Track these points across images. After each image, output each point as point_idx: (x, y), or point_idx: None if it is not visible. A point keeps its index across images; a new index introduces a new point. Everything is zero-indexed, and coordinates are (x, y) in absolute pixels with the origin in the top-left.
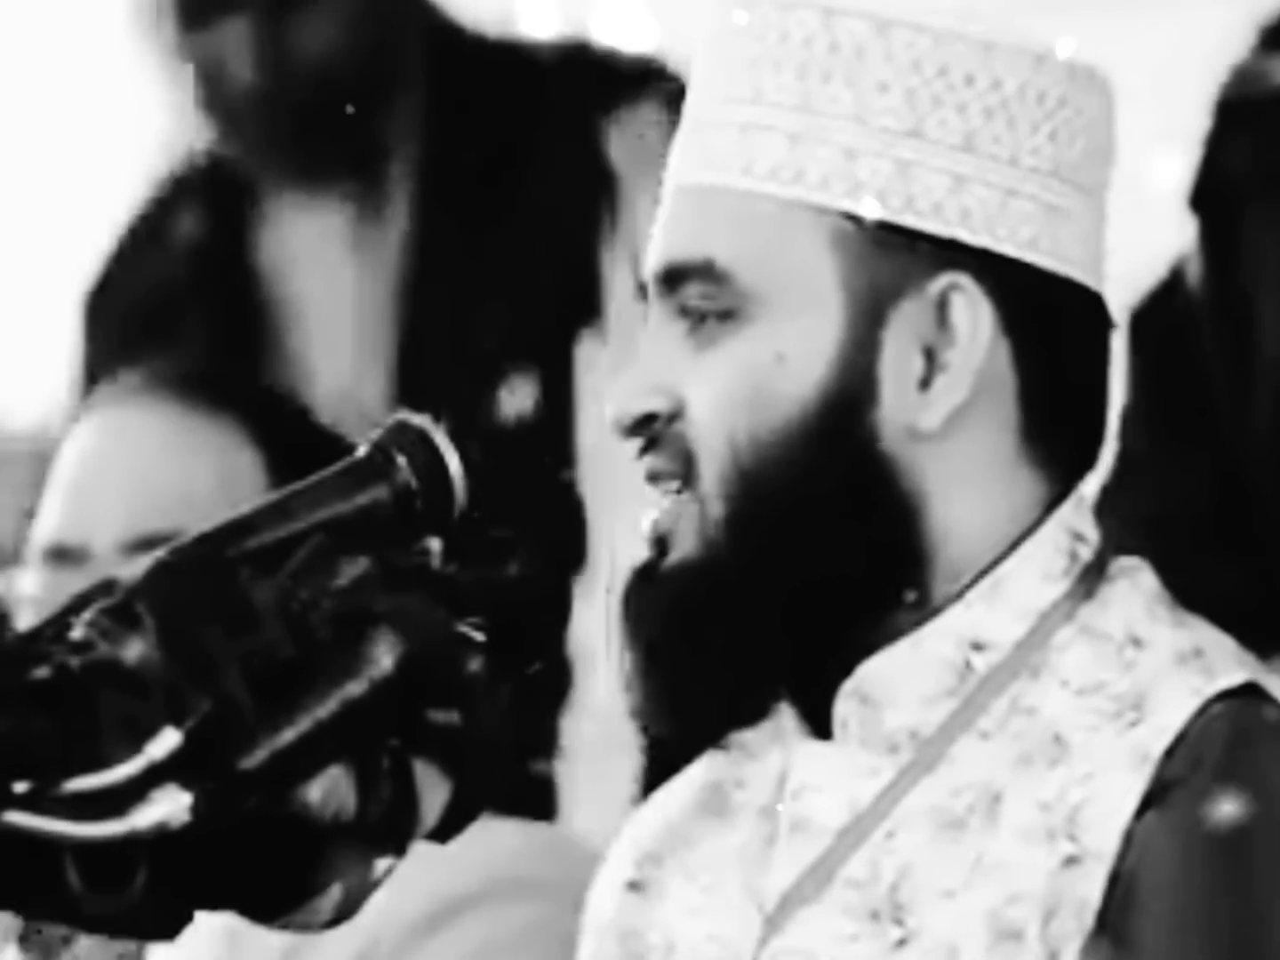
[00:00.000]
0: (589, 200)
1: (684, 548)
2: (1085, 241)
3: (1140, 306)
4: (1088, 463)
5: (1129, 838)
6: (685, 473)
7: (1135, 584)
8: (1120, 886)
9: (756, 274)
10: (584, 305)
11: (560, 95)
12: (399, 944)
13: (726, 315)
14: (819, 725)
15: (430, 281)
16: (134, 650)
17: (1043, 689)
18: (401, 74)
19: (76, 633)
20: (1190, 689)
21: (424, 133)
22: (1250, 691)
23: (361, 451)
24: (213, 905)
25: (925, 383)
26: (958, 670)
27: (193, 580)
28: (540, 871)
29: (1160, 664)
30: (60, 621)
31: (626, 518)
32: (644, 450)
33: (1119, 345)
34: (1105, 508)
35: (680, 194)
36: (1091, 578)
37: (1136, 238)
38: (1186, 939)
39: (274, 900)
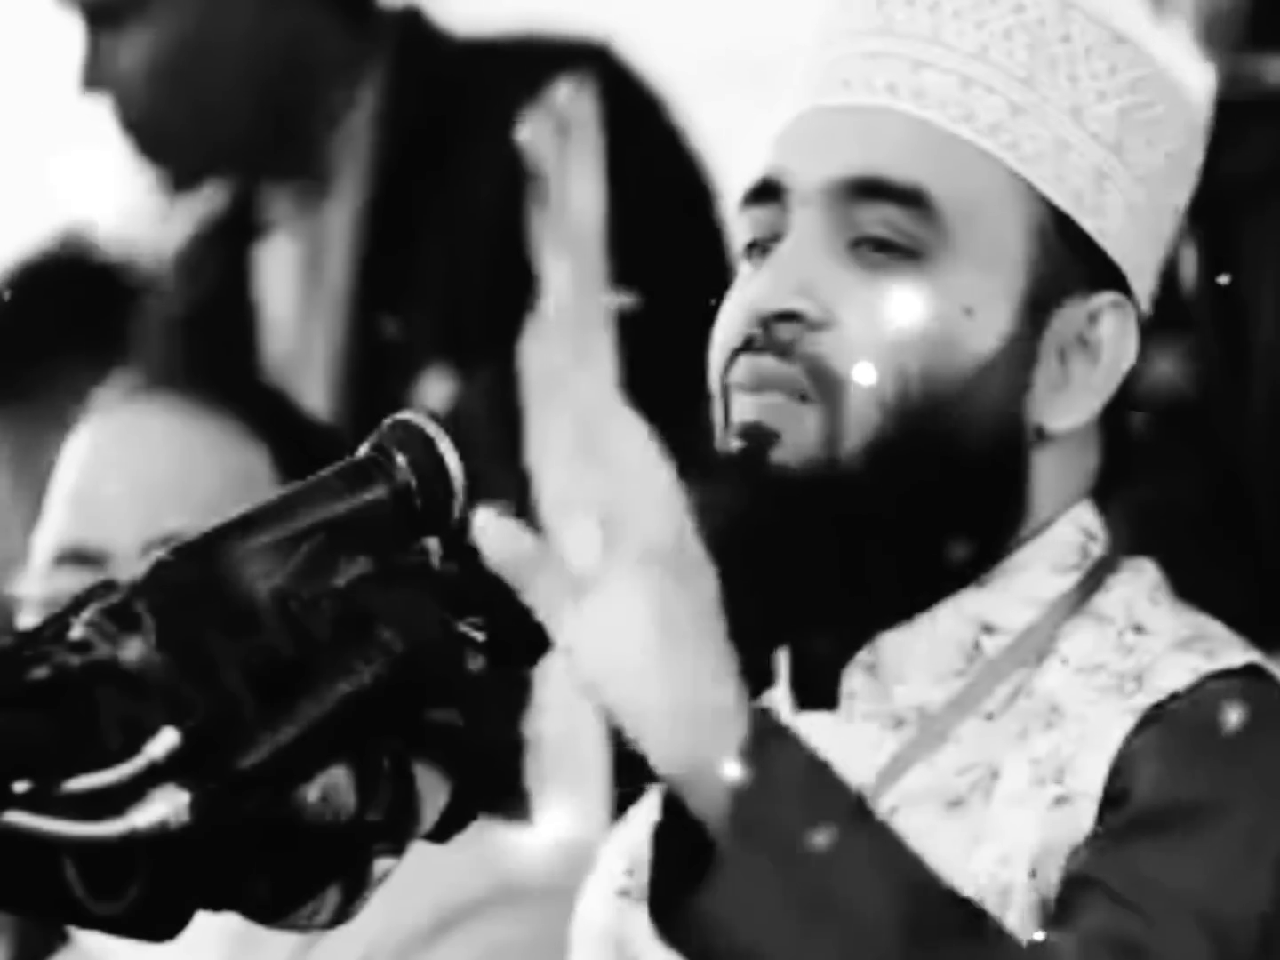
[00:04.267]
0: (515, 191)
1: (802, 451)
2: (1154, 278)
3: None
4: (1118, 469)
5: (1116, 767)
6: (815, 388)
7: (1139, 574)
8: (1108, 806)
9: (962, 220)
10: (520, 299)
11: (487, 84)
12: (403, 949)
13: (913, 252)
14: (811, 696)
15: (373, 290)
16: (134, 650)
17: (1045, 672)
18: (342, 60)
19: (76, 633)
20: (1189, 667)
21: (371, 134)
22: (1251, 672)
23: (362, 451)
24: (213, 906)
25: (1057, 387)
26: (967, 651)
27: (193, 580)
28: (541, 878)
29: (1160, 647)
30: (60, 621)
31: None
32: (761, 349)
33: None
34: (1103, 507)
35: (876, 114)
36: (1100, 573)
37: None
38: (1179, 843)
39: (274, 900)
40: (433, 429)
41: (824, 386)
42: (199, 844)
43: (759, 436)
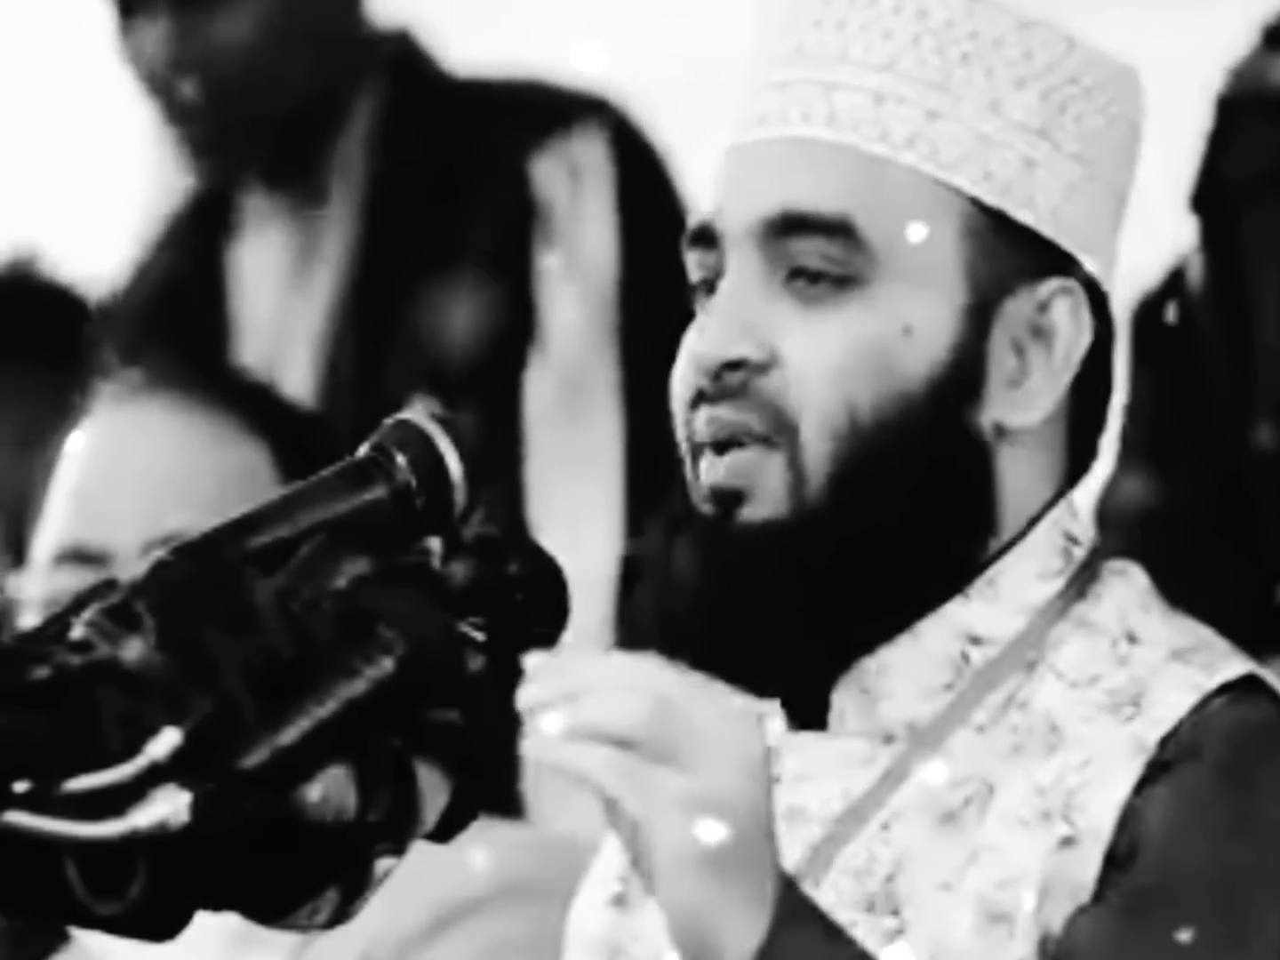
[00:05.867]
0: (520, 232)
1: (769, 505)
2: (1114, 250)
3: (1141, 306)
4: (1086, 467)
5: (1124, 818)
6: (771, 430)
7: (1129, 582)
8: (1117, 861)
9: (890, 241)
10: (523, 335)
11: (490, 128)
12: (403, 948)
13: (846, 279)
14: (802, 717)
15: (362, 310)
16: (134, 650)
17: (1038, 683)
18: (346, 92)
19: (76, 633)
20: (1190, 684)
21: (365, 158)
22: (1250, 684)
23: (362, 451)
24: (213, 905)
25: (1014, 382)
26: (955, 664)
27: (193, 580)
28: (543, 874)
29: (1157, 660)
30: (60, 621)
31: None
32: (714, 399)
33: (1121, 345)
34: (1104, 507)
35: (795, 145)
36: (1084, 577)
37: (1136, 236)
38: (1175, 891)
39: (274, 900)
40: (433, 428)
41: (779, 427)
42: (199, 844)
43: (724, 499)
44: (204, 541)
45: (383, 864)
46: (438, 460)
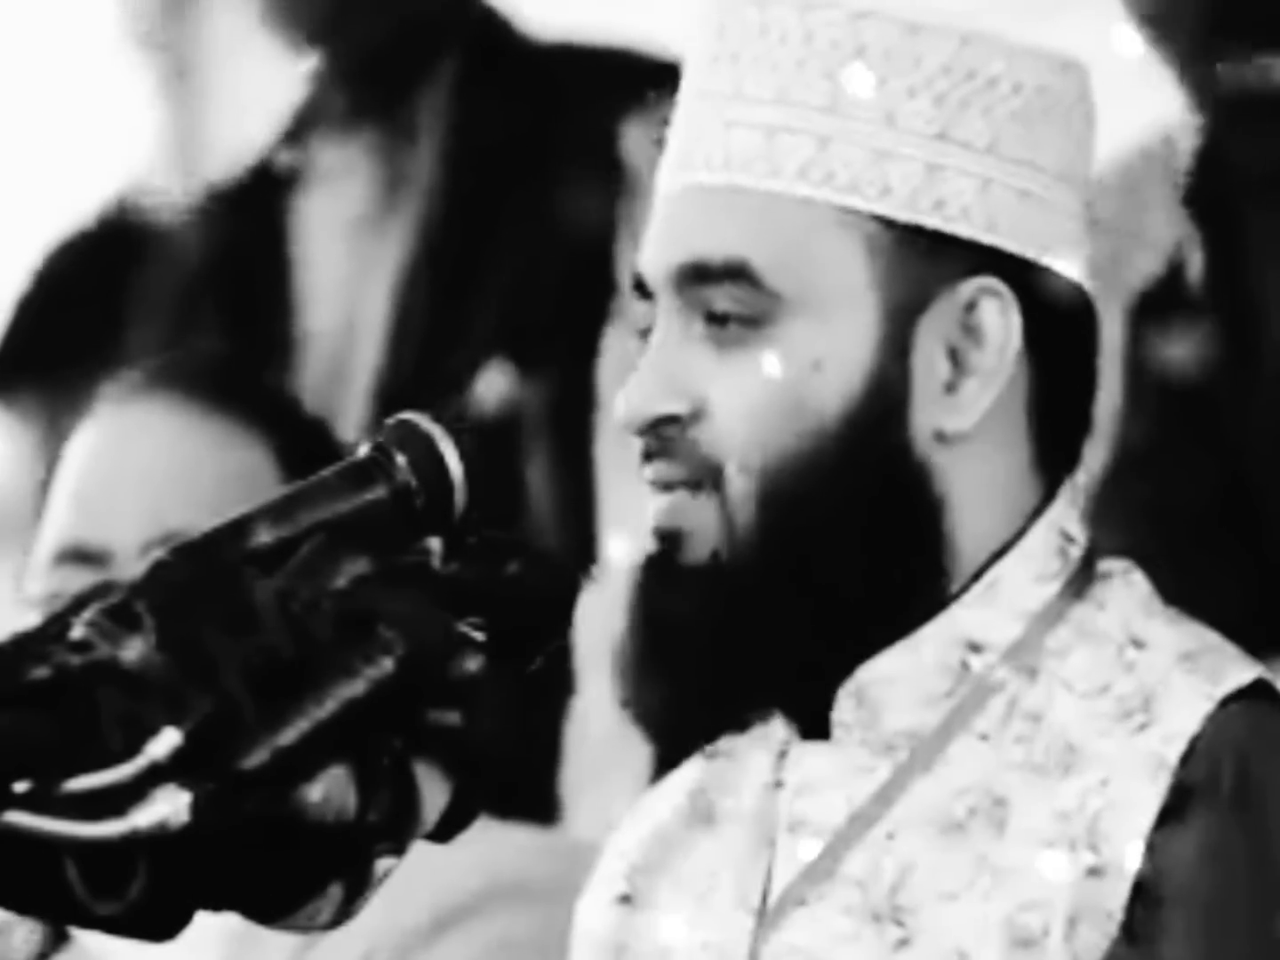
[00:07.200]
0: (607, 197)
1: (706, 548)
2: (1077, 237)
3: (1142, 301)
4: (1075, 460)
5: (1150, 848)
6: (702, 478)
7: (1129, 583)
8: (1144, 898)
9: (791, 278)
10: (603, 299)
11: (580, 95)
12: (404, 948)
13: (755, 320)
14: (809, 726)
15: (438, 270)
16: (134, 650)
17: (1045, 693)
18: (436, 55)
19: (76, 633)
20: (1201, 693)
21: (450, 120)
22: (1259, 689)
23: (362, 451)
24: (213, 906)
25: (951, 386)
26: (955, 672)
27: (193, 580)
28: (543, 876)
29: (1164, 664)
30: (60, 621)
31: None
32: (653, 455)
33: (1116, 341)
34: (1106, 504)
35: (699, 193)
36: (1081, 578)
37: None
38: (1210, 949)
39: (274, 900)
40: (433, 429)
41: (707, 473)
42: (199, 844)
43: (668, 539)
44: (204, 541)
45: (383, 864)
46: (438, 461)
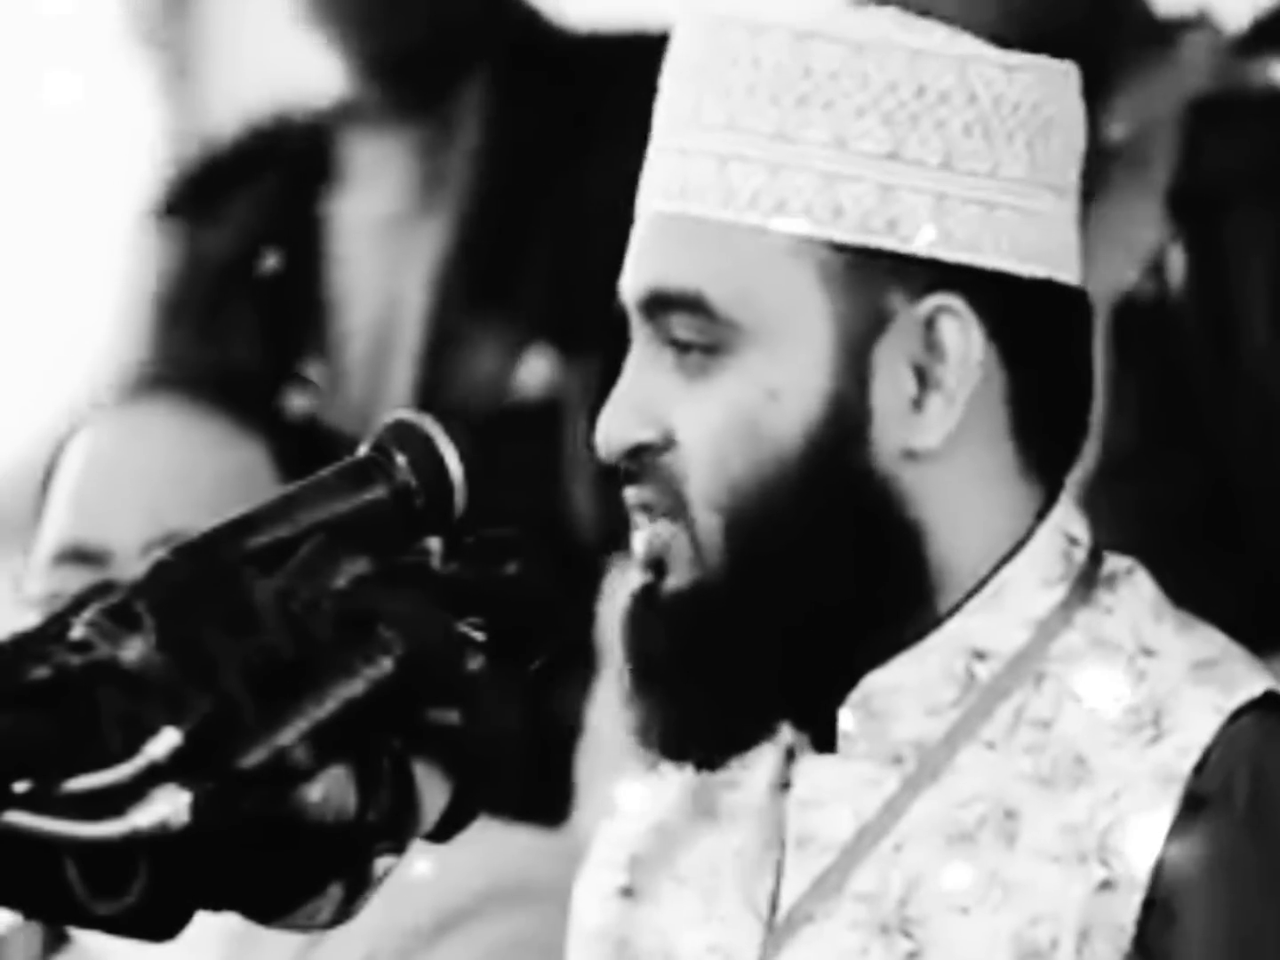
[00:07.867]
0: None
1: (680, 576)
2: (1062, 239)
3: (1123, 303)
4: (1071, 461)
5: (1163, 861)
6: (673, 504)
7: (1136, 589)
8: (1156, 914)
9: (745, 308)
10: None
11: (621, 83)
12: (406, 949)
13: (714, 349)
14: (818, 736)
15: (475, 265)
16: (134, 650)
17: (1053, 701)
18: (473, 53)
19: (76, 633)
20: (1211, 706)
21: (487, 115)
22: (1270, 700)
23: (362, 451)
24: (213, 905)
25: (918, 403)
26: (960, 681)
27: (193, 580)
28: (545, 877)
29: (1175, 674)
30: (60, 621)
31: None
32: (629, 480)
33: (1101, 342)
34: (1091, 507)
35: (660, 221)
36: (1087, 581)
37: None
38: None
39: (274, 900)
40: (432, 428)
41: (675, 502)
42: (199, 844)
43: (648, 567)
44: (204, 541)
45: (383, 864)
46: (438, 460)
